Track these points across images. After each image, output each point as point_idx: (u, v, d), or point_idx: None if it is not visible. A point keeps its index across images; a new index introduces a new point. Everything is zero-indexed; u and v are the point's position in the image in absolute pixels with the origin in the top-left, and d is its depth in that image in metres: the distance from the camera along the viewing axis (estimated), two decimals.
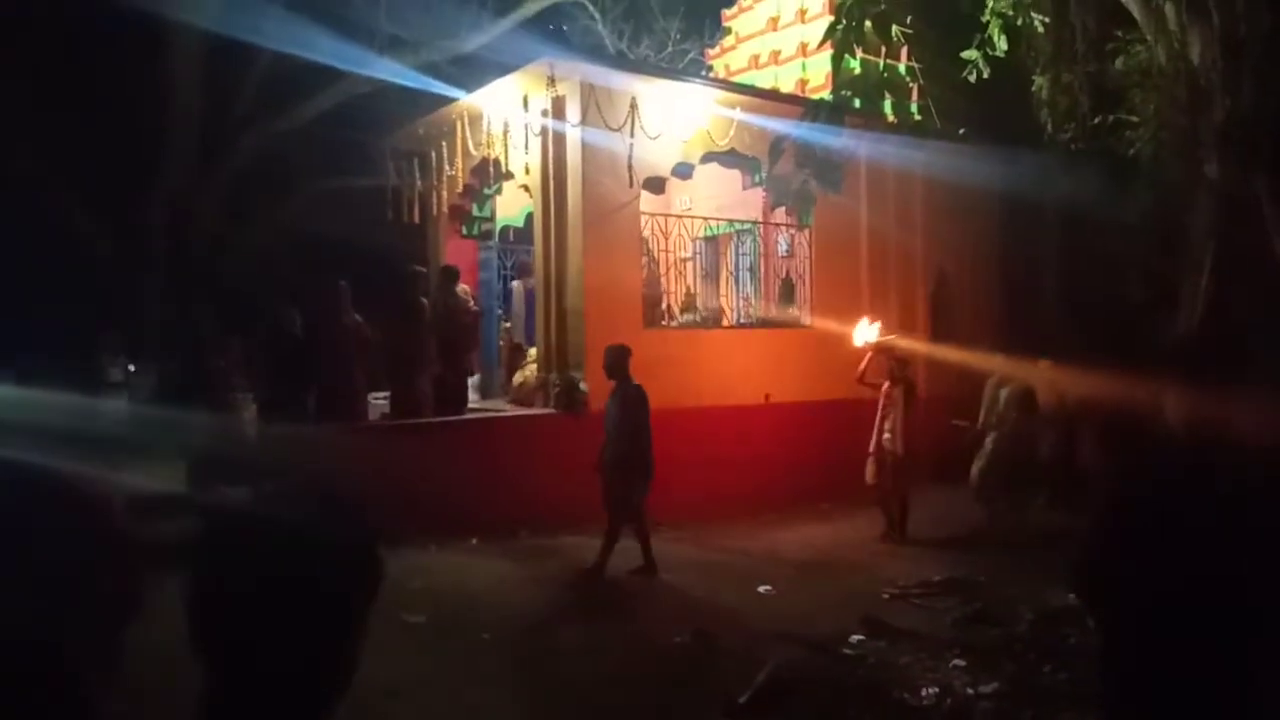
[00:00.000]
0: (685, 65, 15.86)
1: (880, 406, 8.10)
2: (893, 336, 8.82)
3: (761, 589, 6.56)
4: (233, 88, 13.17)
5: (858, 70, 10.65)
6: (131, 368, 11.09)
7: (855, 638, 5.44)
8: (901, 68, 11.11)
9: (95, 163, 12.18)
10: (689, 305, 10.37)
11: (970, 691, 4.65)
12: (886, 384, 8.12)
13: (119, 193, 12.57)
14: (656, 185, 9.80)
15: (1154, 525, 1.35)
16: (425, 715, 4.55)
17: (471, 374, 9.73)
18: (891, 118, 10.51)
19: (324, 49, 11.76)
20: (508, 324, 11.41)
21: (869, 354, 8.42)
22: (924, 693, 4.66)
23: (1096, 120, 8.46)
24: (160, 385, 10.13)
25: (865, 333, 8.54)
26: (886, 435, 7.98)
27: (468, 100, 9.88)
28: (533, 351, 9.93)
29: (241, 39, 12.27)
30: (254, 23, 11.77)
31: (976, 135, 9.52)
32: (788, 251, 10.86)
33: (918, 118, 10.63)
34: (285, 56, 12.60)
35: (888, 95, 10.67)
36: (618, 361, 7.04)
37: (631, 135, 8.88)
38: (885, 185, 10.70)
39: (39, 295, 11.40)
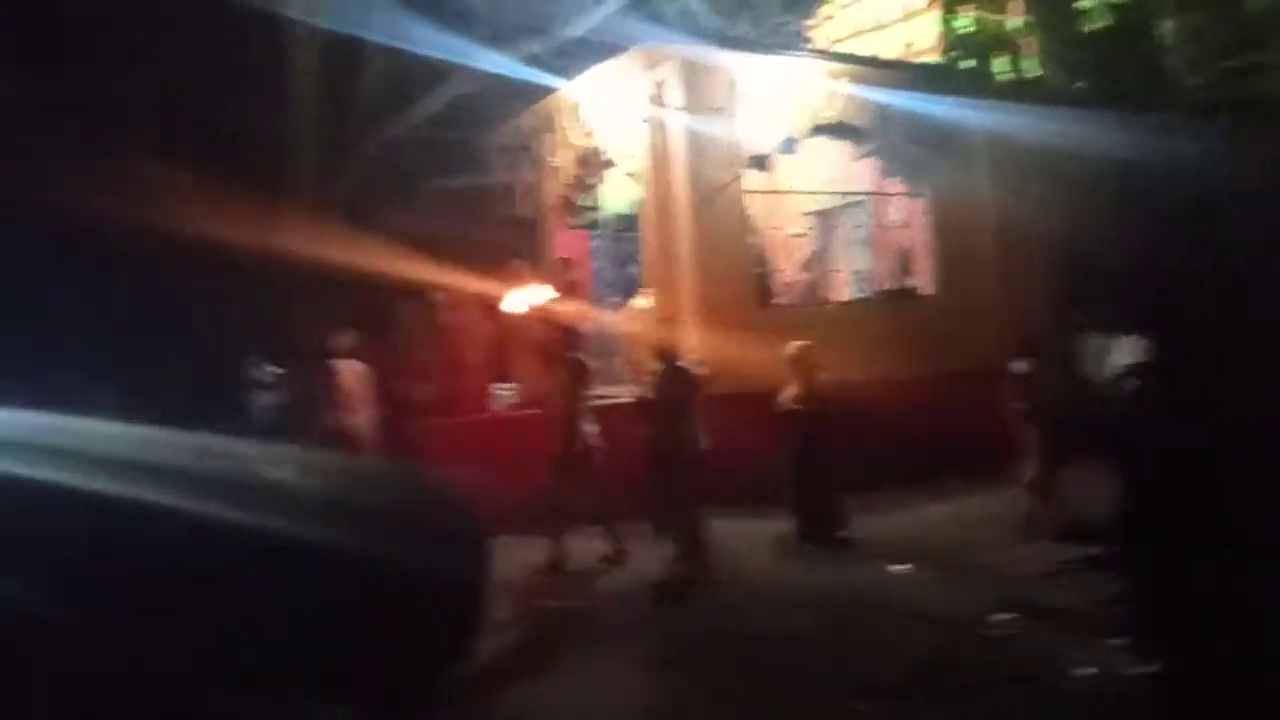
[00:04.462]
0: (786, 39, 15.52)
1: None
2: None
3: (896, 569, 6.38)
4: (345, 98, 13.65)
5: (969, 28, 10.22)
6: (279, 370, 11.63)
7: (1000, 617, 5.23)
8: (1012, 24, 10.56)
9: (226, 172, 12.85)
10: (801, 282, 10.19)
11: (1133, 673, 4.39)
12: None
13: (250, 202, 13.21)
14: (762, 163, 9.63)
15: None
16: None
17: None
18: (1006, 74, 10.03)
19: (428, 46, 12.06)
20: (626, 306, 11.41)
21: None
22: (1079, 674, 4.43)
23: (1230, 64, 7.85)
24: (307, 387, 10.59)
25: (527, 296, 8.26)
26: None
27: (569, 90, 9.95)
28: None
29: (352, 44, 12.72)
30: (361, 22, 12.15)
31: (1095, 90, 8.97)
32: (903, 221, 10.51)
33: (1032, 74, 10.12)
34: (390, 64, 13.01)
35: (1001, 52, 10.20)
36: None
37: (734, 114, 8.75)
38: (1002, 150, 10.16)
39: (188, 303, 12.08)
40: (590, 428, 7.00)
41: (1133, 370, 8.00)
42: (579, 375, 7.04)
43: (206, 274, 12.32)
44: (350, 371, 7.75)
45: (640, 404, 6.79)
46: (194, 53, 12.87)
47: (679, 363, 6.92)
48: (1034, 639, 4.92)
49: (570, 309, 9.05)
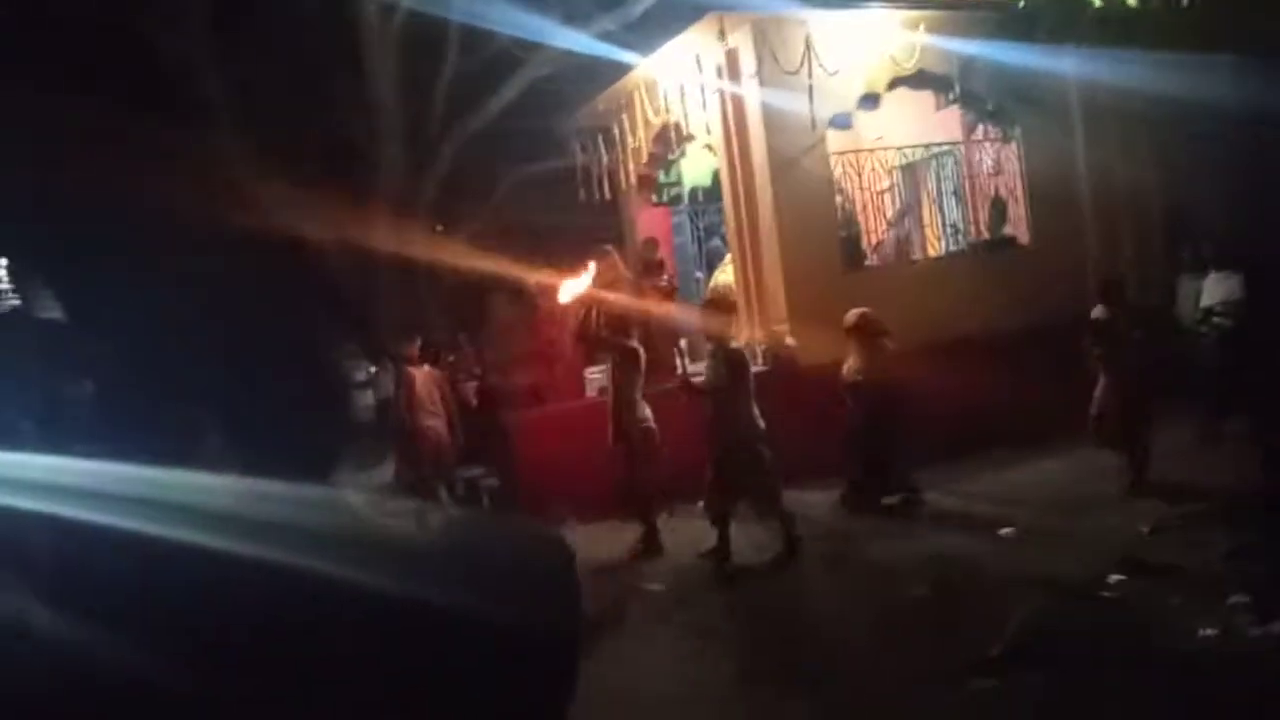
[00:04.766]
0: None
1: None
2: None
3: (1001, 532, 6.25)
4: (427, 94, 13.97)
5: None
6: (372, 369, 12.10)
7: (1114, 578, 5.07)
8: None
9: (318, 174, 13.36)
10: (890, 240, 9.95)
11: (1257, 632, 4.22)
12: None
13: (341, 203, 13.73)
14: (843, 122, 9.41)
15: None
16: (660, 682, 4.71)
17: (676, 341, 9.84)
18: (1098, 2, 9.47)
19: (505, 27, 12.24)
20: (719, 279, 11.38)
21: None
22: (1200, 635, 4.28)
23: None
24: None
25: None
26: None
27: (642, 69, 9.92)
28: None
29: (430, 39, 13.01)
30: (441, 5, 12.41)
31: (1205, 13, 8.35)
32: (994, 168, 10.13)
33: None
34: (468, 57, 13.25)
35: None
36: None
37: (810, 75, 8.56)
38: (1093, 91, 9.59)
39: (283, 305, 12.67)
40: (645, 412, 6.99)
41: (1226, 309, 7.59)
42: (632, 361, 7.01)
43: (304, 275, 12.90)
44: (421, 376, 8.02)
45: (694, 387, 6.71)
46: (281, 58, 13.39)
47: (732, 345, 6.69)
48: (1149, 600, 4.76)
49: (650, 291, 9.09)
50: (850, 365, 7.35)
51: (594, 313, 8.31)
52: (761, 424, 6.43)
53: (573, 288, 8.49)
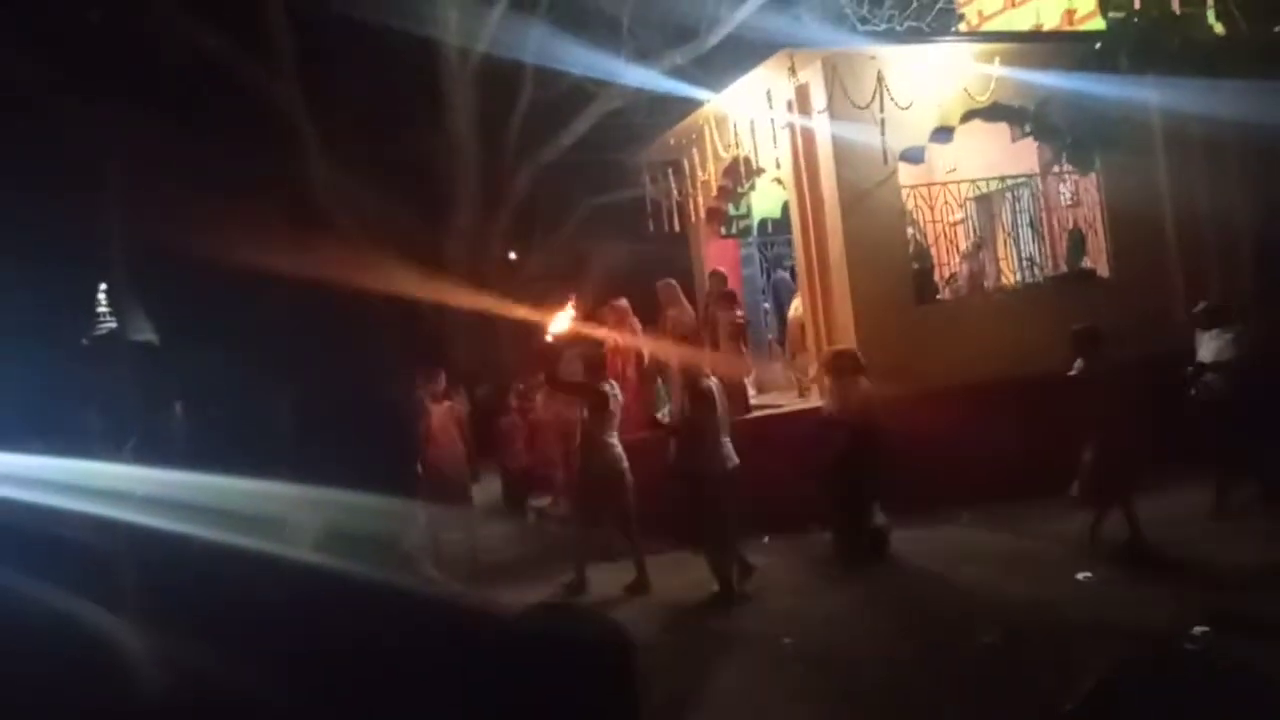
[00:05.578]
0: (934, 18, 14.96)
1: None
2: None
3: (1079, 577, 6.06)
4: (501, 129, 14.35)
5: None
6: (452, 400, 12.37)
7: (1199, 630, 4.87)
8: None
9: (398, 208, 13.82)
10: (964, 273, 9.81)
11: None
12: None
13: (421, 236, 14.16)
14: (915, 155, 9.35)
15: None
16: None
17: (748, 374, 9.83)
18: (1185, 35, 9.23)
19: (578, 66, 12.52)
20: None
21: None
22: None
23: None
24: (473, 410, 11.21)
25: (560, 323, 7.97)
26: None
27: (713, 104, 10.02)
28: None
29: (504, 75, 13.39)
30: (517, 45, 12.78)
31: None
32: (1073, 200, 9.92)
33: (1215, 26, 9.23)
34: (541, 92, 13.58)
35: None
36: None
37: (882, 110, 8.54)
38: (1181, 122, 9.32)
39: (364, 334, 13.08)
40: (616, 453, 7.01)
41: None
42: (599, 403, 7.02)
43: (380, 306, 13.29)
44: (440, 411, 8.23)
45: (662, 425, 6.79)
46: (362, 95, 13.94)
47: (700, 383, 6.70)
48: (1244, 652, 4.55)
49: (722, 325, 9.10)
50: (826, 403, 7.24)
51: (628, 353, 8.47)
52: (734, 461, 6.45)
53: (563, 325, 8.58)
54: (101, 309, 20.82)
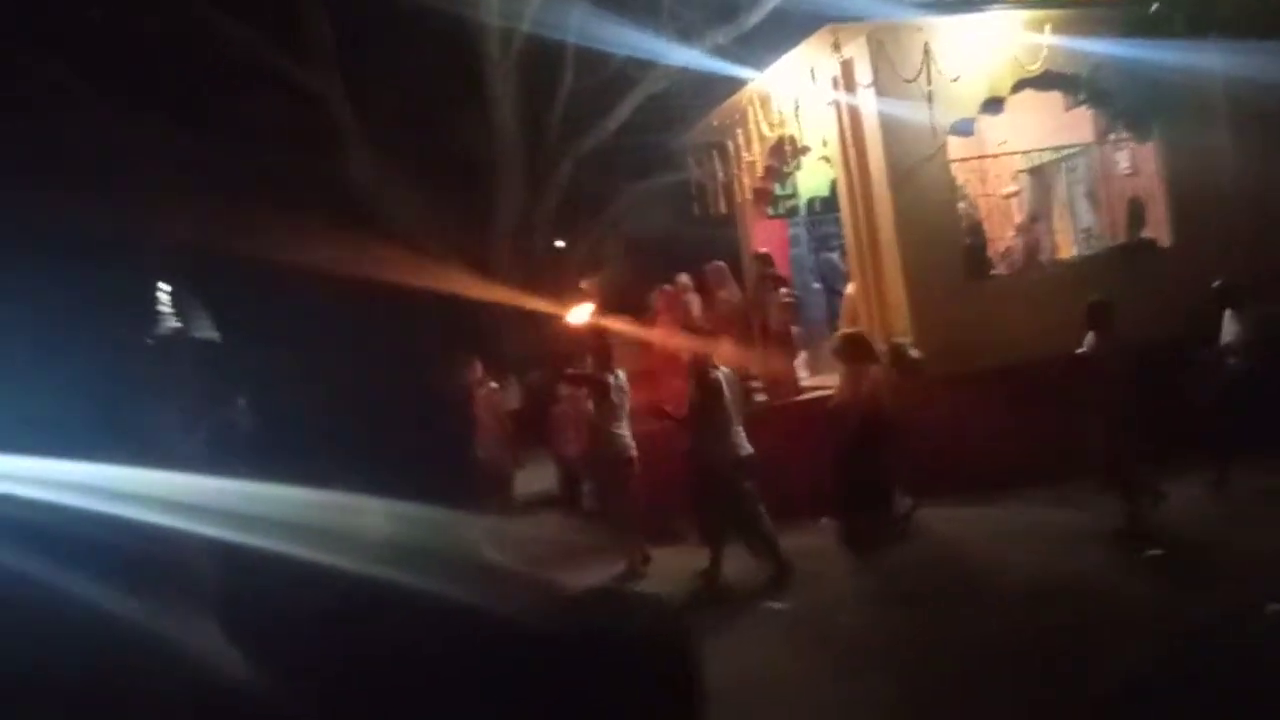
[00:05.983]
0: None
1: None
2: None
3: (1150, 553, 5.95)
4: (543, 116, 14.39)
5: None
6: (494, 384, 12.51)
7: (1274, 607, 4.76)
8: None
9: (443, 199, 13.95)
10: (1019, 247, 9.62)
11: None
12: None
13: (468, 226, 14.30)
14: (965, 127, 9.18)
15: None
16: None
17: (796, 355, 9.78)
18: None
19: (619, 48, 12.49)
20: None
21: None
22: None
23: None
24: (526, 399, 11.30)
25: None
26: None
27: (756, 83, 9.93)
28: None
29: (547, 60, 13.40)
30: (558, 28, 12.78)
31: None
32: (1130, 169, 9.65)
33: None
34: (583, 78, 13.57)
35: None
36: None
37: (929, 82, 8.39)
38: (1242, 87, 8.96)
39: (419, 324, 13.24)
40: (625, 442, 7.02)
41: None
42: (603, 392, 7.04)
43: (429, 298, 13.47)
44: (482, 394, 8.51)
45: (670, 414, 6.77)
46: (404, 84, 14.07)
47: (709, 372, 6.62)
48: None
49: (771, 306, 9.06)
50: (837, 390, 7.13)
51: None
52: (745, 450, 6.38)
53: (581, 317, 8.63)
54: (163, 309, 21.35)
